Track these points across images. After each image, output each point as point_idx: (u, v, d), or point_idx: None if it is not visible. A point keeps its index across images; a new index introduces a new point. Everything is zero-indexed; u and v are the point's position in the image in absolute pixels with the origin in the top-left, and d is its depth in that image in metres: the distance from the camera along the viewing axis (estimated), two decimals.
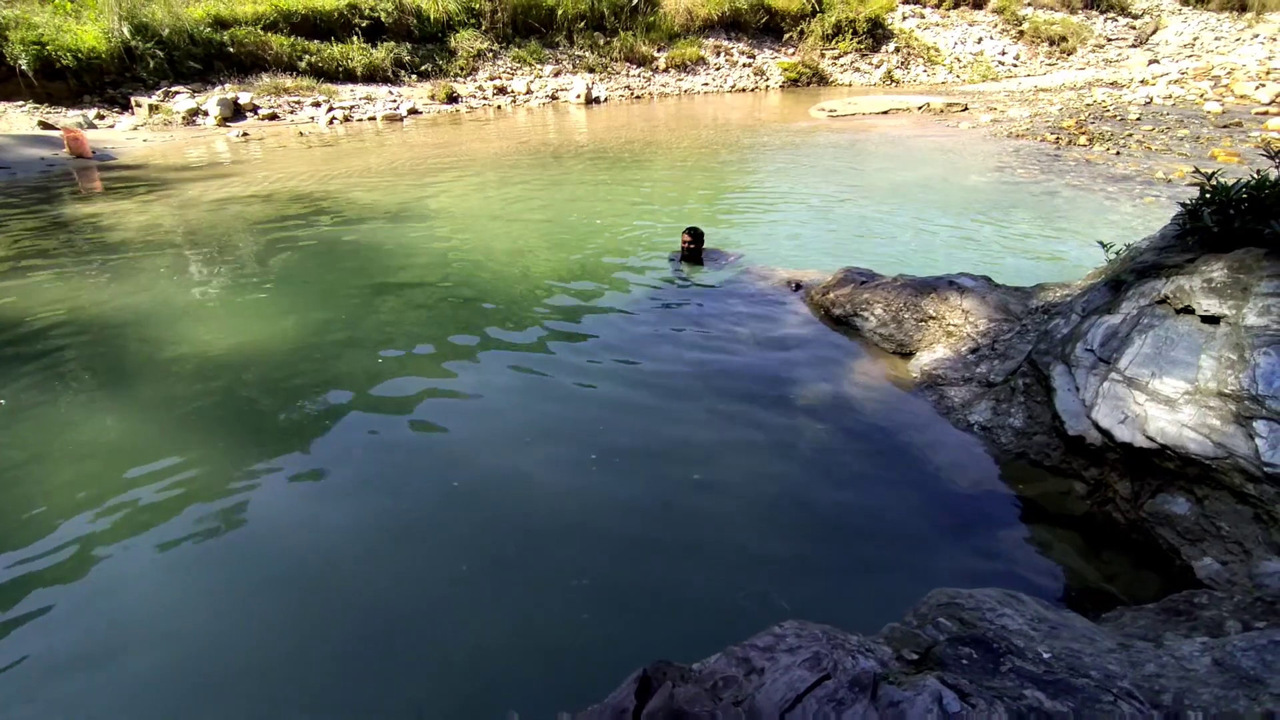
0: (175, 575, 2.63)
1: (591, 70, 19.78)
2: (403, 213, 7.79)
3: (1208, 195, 2.94)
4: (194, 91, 14.79)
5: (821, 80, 21.92)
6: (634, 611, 2.47)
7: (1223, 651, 1.53)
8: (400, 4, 17.68)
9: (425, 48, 18.19)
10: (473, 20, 18.95)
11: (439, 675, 2.23)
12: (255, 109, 14.73)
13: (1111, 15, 25.88)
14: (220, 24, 15.53)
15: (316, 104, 15.38)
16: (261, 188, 9.06)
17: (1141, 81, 17.29)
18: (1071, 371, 2.99)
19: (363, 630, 2.40)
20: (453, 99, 17.13)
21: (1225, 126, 11.66)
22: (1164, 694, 1.39)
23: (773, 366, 4.20)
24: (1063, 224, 7.10)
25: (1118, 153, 10.26)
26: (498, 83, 18.20)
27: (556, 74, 19.32)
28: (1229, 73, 16.49)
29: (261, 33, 15.83)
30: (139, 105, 13.98)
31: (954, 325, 4.03)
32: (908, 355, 4.18)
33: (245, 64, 15.73)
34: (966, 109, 15.50)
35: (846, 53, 22.75)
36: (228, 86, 15.21)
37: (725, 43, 22.19)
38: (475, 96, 17.57)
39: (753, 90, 20.88)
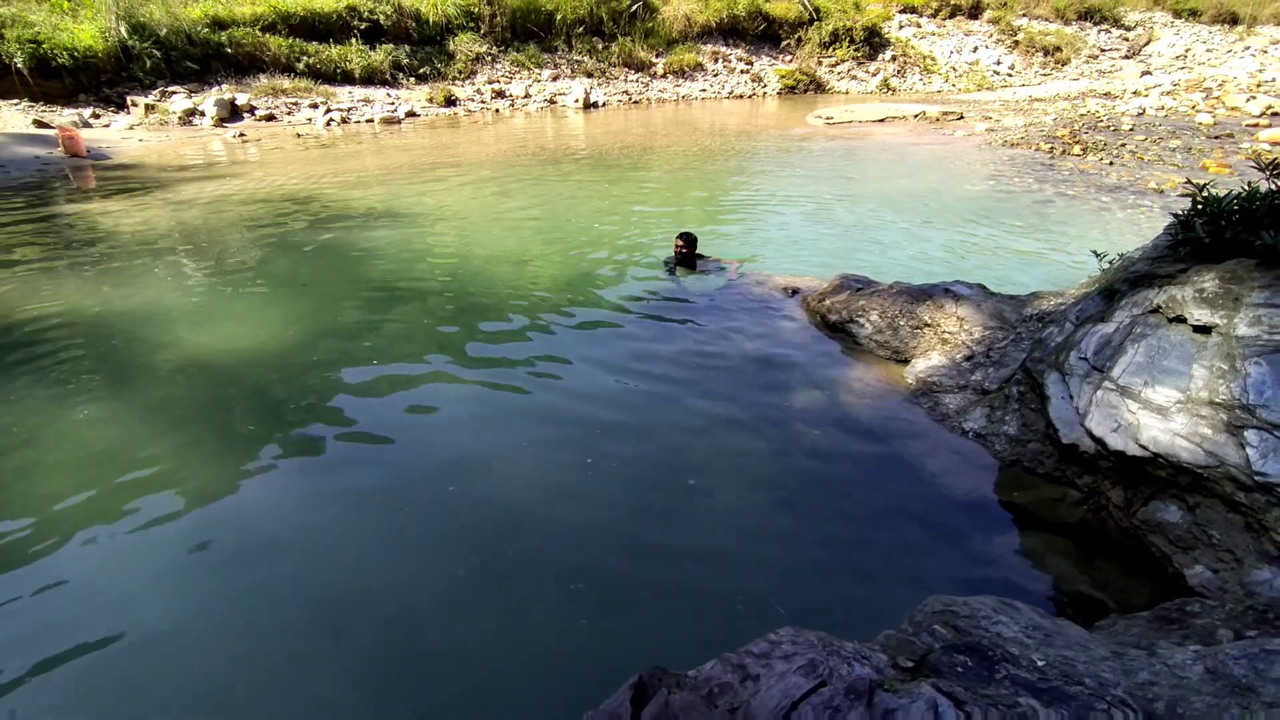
0: (168, 577, 2.61)
1: (590, 75, 19.84)
2: (399, 215, 7.78)
3: (1200, 206, 2.98)
4: (191, 92, 14.75)
5: (819, 88, 22.06)
6: (629, 617, 2.47)
7: (1215, 660, 1.54)
8: (399, 7, 17.70)
9: (424, 50, 18.20)
10: (471, 24, 18.99)
11: (435, 679, 2.22)
12: (252, 110, 14.69)
13: (1105, 27, 26.18)
14: (218, 24, 15.50)
15: (314, 105, 15.37)
16: (257, 189, 9.03)
17: (1134, 92, 17.47)
18: (1065, 379, 3.01)
19: (358, 633, 2.38)
20: (451, 102, 17.14)
21: (1216, 138, 11.79)
22: (1157, 702, 1.39)
23: (768, 372, 4.21)
24: (1056, 233, 7.16)
25: (1111, 163, 10.36)
26: (496, 86, 18.23)
27: (555, 78, 19.37)
28: (1220, 85, 16.68)
29: (259, 34, 15.80)
30: (135, 105, 13.92)
31: (949, 332, 4.05)
32: (903, 362, 4.20)
33: (243, 65, 15.70)
34: (962, 118, 15.62)
35: (843, 60, 22.91)
36: (225, 87, 15.18)
37: (723, 49, 22.31)
38: (473, 100, 17.59)
39: (750, 97, 20.99)
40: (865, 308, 4.54)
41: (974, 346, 3.88)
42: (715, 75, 21.53)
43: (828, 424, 3.62)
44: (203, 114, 14.06)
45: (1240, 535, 2.28)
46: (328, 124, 14.64)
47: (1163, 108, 14.70)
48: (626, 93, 19.66)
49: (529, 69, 19.32)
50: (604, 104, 18.66)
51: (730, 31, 22.60)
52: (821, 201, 8.57)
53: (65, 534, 2.80)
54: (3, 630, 2.37)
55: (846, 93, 21.90)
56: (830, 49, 22.92)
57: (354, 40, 16.91)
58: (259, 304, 5.25)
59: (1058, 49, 24.30)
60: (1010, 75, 23.39)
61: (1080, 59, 24.37)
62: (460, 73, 18.33)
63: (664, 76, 20.84)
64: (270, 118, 14.65)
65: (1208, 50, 24.31)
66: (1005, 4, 25.39)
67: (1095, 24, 26.17)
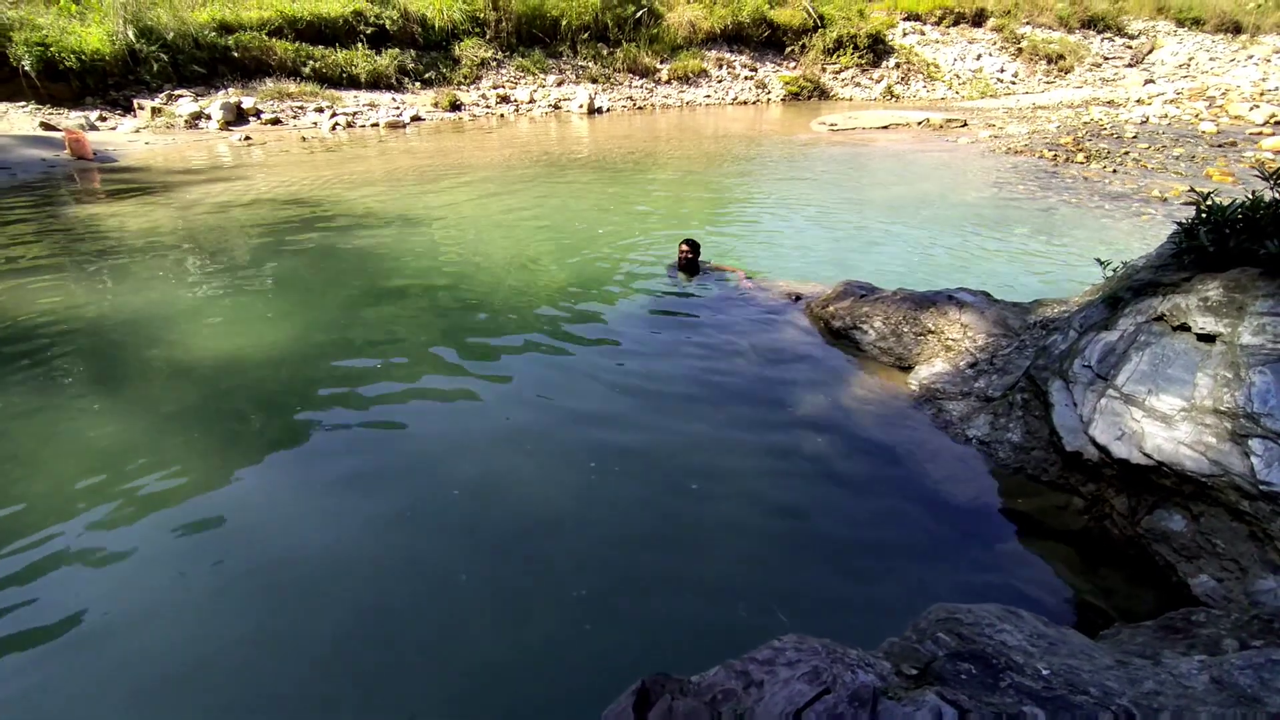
0: (169, 579, 2.61)
1: (594, 81, 19.93)
2: (404, 219, 7.81)
3: (1204, 215, 2.98)
4: (197, 95, 14.84)
5: (822, 94, 22.12)
6: (632, 623, 2.47)
7: (1221, 670, 1.53)
8: (405, 12, 17.81)
9: (429, 55, 18.30)
10: (477, 29, 19.09)
11: (437, 685, 2.22)
12: (258, 113, 14.78)
13: (1108, 35, 26.24)
14: (225, 28, 15.61)
15: (320, 109, 15.45)
16: (263, 192, 9.07)
17: (1138, 101, 17.49)
18: (1069, 387, 3.01)
19: (359, 637, 2.38)
20: (456, 107, 17.22)
21: (1220, 146, 11.79)
22: (1162, 712, 1.39)
23: (771, 378, 4.21)
24: (1060, 240, 7.16)
25: (1114, 170, 10.37)
26: (501, 91, 18.32)
27: (560, 84, 19.46)
28: (1224, 93, 16.70)
29: (266, 38, 15.91)
30: (141, 108, 14.01)
31: (953, 339, 4.05)
32: (906, 369, 4.20)
33: (249, 68, 15.79)
34: (966, 125, 15.66)
35: (847, 67, 22.98)
36: (231, 91, 15.27)
37: (727, 55, 22.40)
38: (478, 105, 17.67)
39: (754, 103, 21.06)
40: (869, 314, 4.54)
41: (977, 353, 3.88)
42: (719, 81, 21.61)
43: (830, 430, 3.62)
44: (209, 117, 14.14)
45: (1245, 544, 2.27)
46: (333, 128, 14.72)
47: (1166, 116, 14.72)
48: (631, 98, 19.74)
49: (534, 74, 19.41)
50: (608, 109, 18.73)
51: (735, 38, 22.69)
52: (825, 208, 8.59)
53: (61, 531, 2.81)
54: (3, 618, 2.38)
55: (850, 99, 21.95)
56: (834, 56, 23.00)
57: (360, 45, 17.01)
58: (263, 306, 5.26)
59: (1061, 57, 24.35)
60: (1014, 83, 23.44)
61: (1084, 67, 24.42)
62: (465, 78, 18.43)
63: (668, 82, 20.92)
64: (276, 121, 14.73)
65: (1211, 59, 24.34)
66: (1009, 12, 25.46)
67: (1099, 32, 26.24)
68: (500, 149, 12.91)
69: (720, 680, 1.48)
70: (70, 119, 13.13)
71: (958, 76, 23.48)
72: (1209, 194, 3.05)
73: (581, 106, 18.22)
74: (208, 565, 2.69)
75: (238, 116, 14.49)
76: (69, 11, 14.24)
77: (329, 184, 9.58)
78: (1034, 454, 3.14)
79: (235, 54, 15.53)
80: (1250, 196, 2.86)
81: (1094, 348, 3.02)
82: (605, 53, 20.60)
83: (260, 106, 14.91)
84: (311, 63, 16.30)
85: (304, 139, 13.56)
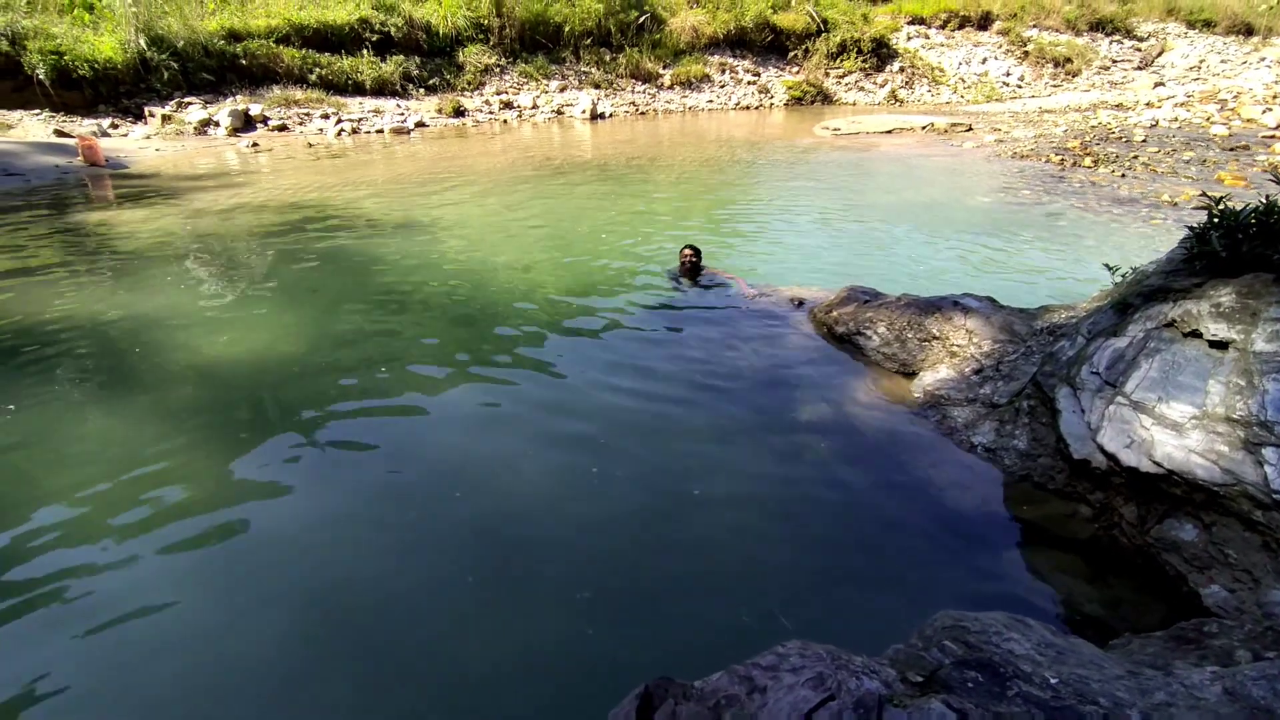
0: (175, 582, 2.62)
1: (597, 86, 20.01)
2: (408, 225, 7.85)
3: (1216, 219, 2.95)
4: (206, 102, 15.00)
5: (826, 99, 22.13)
6: (634, 627, 2.46)
7: (1234, 681, 1.51)
8: (410, 19, 17.95)
9: (434, 62, 18.43)
10: (481, 35, 19.22)
11: (440, 687, 2.21)
12: (265, 120, 14.92)
13: (1117, 38, 26.11)
14: (233, 36, 15.78)
15: (325, 116, 15.58)
16: (270, 198, 9.14)
17: (1147, 104, 17.40)
18: (1076, 394, 2.98)
19: (363, 640, 2.38)
20: (459, 113, 17.33)
21: (1232, 150, 11.70)
22: None
23: (774, 384, 4.19)
24: (1067, 246, 7.12)
25: (1123, 175, 10.31)
26: (504, 97, 18.42)
27: (562, 89, 19.55)
28: (1235, 96, 16.57)
29: (273, 45, 16.07)
30: (152, 115, 14.18)
31: (958, 345, 4.03)
32: (911, 375, 4.18)
33: (257, 76, 15.95)
34: (971, 129, 15.62)
35: (851, 72, 22.99)
36: (239, 98, 15.42)
37: (730, 60, 22.45)
38: (482, 111, 17.77)
39: (757, 108, 21.09)
40: (873, 320, 4.52)
41: (983, 360, 3.85)
42: (722, 86, 21.65)
43: (834, 436, 3.60)
44: (217, 124, 14.29)
45: (1258, 555, 2.24)
46: (339, 134, 14.84)
47: (1176, 119, 14.62)
48: (633, 104, 19.80)
49: (537, 80, 19.51)
50: (611, 115, 18.80)
51: (737, 43, 22.74)
52: (828, 213, 8.57)
53: (71, 535, 2.83)
54: (12, 620, 2.39)
55: (854, 104, 21.95)
56: (838, 60, 23.00)
57: (365, 52, 17.16)
58: (269, 310, 5.30)
59: (1068, 60, 24.25)
60: (1020, 86, 23.37)
61: (1091, 70, 24.33)
62: (469, 84, 18.54)
63: (671, 87, 20.98)
64: (283, 128, 14.86)
65: (1222, 61, 24.18)
66: (1015, 15, 25.39)
67: (1107, 35, 26.11)
68: (503, 154, 12.97)
69: (724, 685, 1.47)
70: (83, 126, 13.30)
71: (963, 80, 23.45)
72: (1221, 198, 3.02)
73: (584, 112, 18.30)
74: (212, 565, 2.70)
75: (245, 123, 14.63)
76: (82, 21, 14.44)
77: (334, 190, 9.64)
78: (1040, 461, 3.12)
79: (243, 62, 15.69)
80: (1264, 201, 2.83)
81: (1102, 354, 2.99)
82: (608, 58, 20.69)
83: (267, 113, 15.05)
84: (318, 70, 16.45)
85: (310, 145, 13.67)
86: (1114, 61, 25.01)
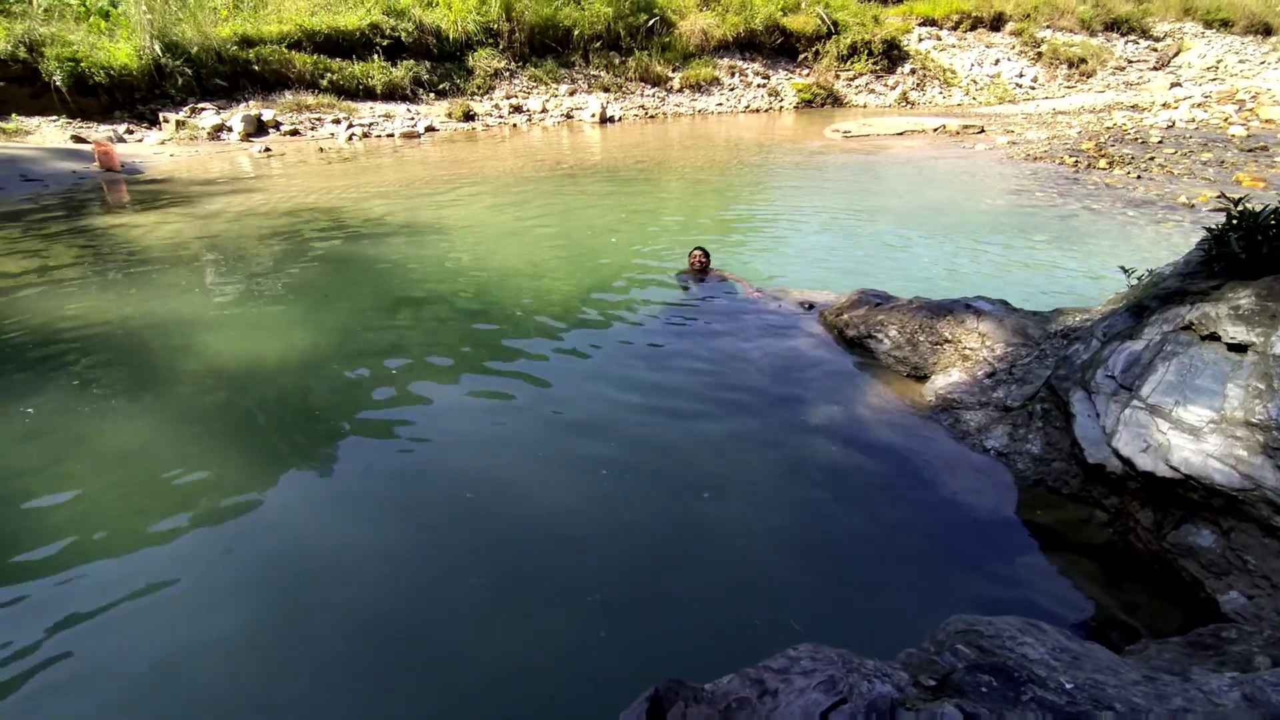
0: (187, 585, 2.65)
1: (606, 90, 20.07)
2: (418, 228, 7.90)
3: (1235, 221, 2.91)
4: (219, 108, 15.19)
5: (836, 101, 22.07)
6: (644, 630, 2.45)
7: (1253, 687, 1.48)
8: (420, 24, 18.10)
9: (444, 66, 18.57)
10: (491, 40, 19.34)
11: (450, 687, 2.22)
12: (278, 125, 15.08)
13: (1132, 38, 25.84)
14: (246, 42, 15.98)
15: (337, 121, 15.73)
16: (281, 202, 9.24)
17: (1163, 105, 17.19)
18: (1091, 398, 2.95)
19: (371, 638, 2.40)
20: (469, 117, 17.44)
21: (1250, 151, 11.54)
22: None
23: (785, 387, 4.18)
24: (1081, 248, 7.05)
25: (1138, 176, 10.20)
26: (514, 101, 18.52)
27: (572, 93, 19.63)
28: (1254, 96, 16.33)
29: (286, 51, 16.25)
30: (166, 121, 14.37)
31: (970, 349, 4.00)
32: (922, 378, 4.15)
33: (269, 81, 16.14)
34: (983, 131, 15.52)
35: (861, 74, 22.91)
36: (252, 103, 15.61)
37: (740, 63, 22.45)
38: (491, 115, 17.88)
39: (767, 111, 21.06)
40: (884, 323, 4.50)
41: (996, 363, 3.82)
42: (731, 89, 21.65)
43: (845, 440, 3.58)
44: (230, 129, 14.46)
45: (1277, 561, 2.21)
46: (349, 139, 14.97)
47: (1193, 120, 14.43)
48: (643, 107, 19.84)
49: (546, 84, 19.60)
50: (620, 118, 18.84)
51: (747, 45, 22.74)
52: (838, 215, 8.54)
53: (95, 533, 2.87)
54: (29, 625, 2.42)
55: (864, 106, 21.88)
56: (848, 62, 22.94)
57: (376, 57, 17.31)
58: (282, 314, 5.35)
59: (1083, 61, 24.03)
60: (1033, 88, 23.19)
61: (1106, 71, 24.09)
62: (479, 88, 18.66)
63: (680, 91, 21.00)
64: (295, 133, 15.02)
65: (1240, 61, 23.86)
66: (1028, 16, 25.21)
67: (1122, 35, 25.84)
68: (513, 158, 13.04)
69: (735, 688, 1.46)
70: (99, 132, 13.51)
71: (975, 82, 23.30)
72: (1240, 199, 2.98)
73: (593, 116, 18.35)
74: (222, 563, 2.73)
75: (258, 128, 14.80)
76: (99, 28, 14.68)
77: (345, 194, 9.73)
78: (1054, 466, 3.08)
79: (256, 67, 15.88)
80: None
81: (1118, 357, 2.96)
82: (617, 62, 20.74)
83: (280, 118, 15.22)
84: (329, 75, 16.61)
85: (321, 150, 13.80)
86: (1129, 62, 24.76)
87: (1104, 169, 10.81)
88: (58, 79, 13.50)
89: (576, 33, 20.16)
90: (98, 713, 2.15)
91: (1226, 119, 14.21)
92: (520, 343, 4.79)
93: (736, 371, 4.36)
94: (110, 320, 5.16)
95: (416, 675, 2.26)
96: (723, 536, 2.92)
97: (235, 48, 15.72)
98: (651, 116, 19.53)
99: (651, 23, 21.10)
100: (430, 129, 16.29)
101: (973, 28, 25.27)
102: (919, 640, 1.76)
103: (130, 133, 13.99)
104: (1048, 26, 25.29)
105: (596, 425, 3.75)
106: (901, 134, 15.51)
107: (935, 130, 15.72)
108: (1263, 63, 23.47)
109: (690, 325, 5.12)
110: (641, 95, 20.48)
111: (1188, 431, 2.49)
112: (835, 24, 23.00)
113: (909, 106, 21.77)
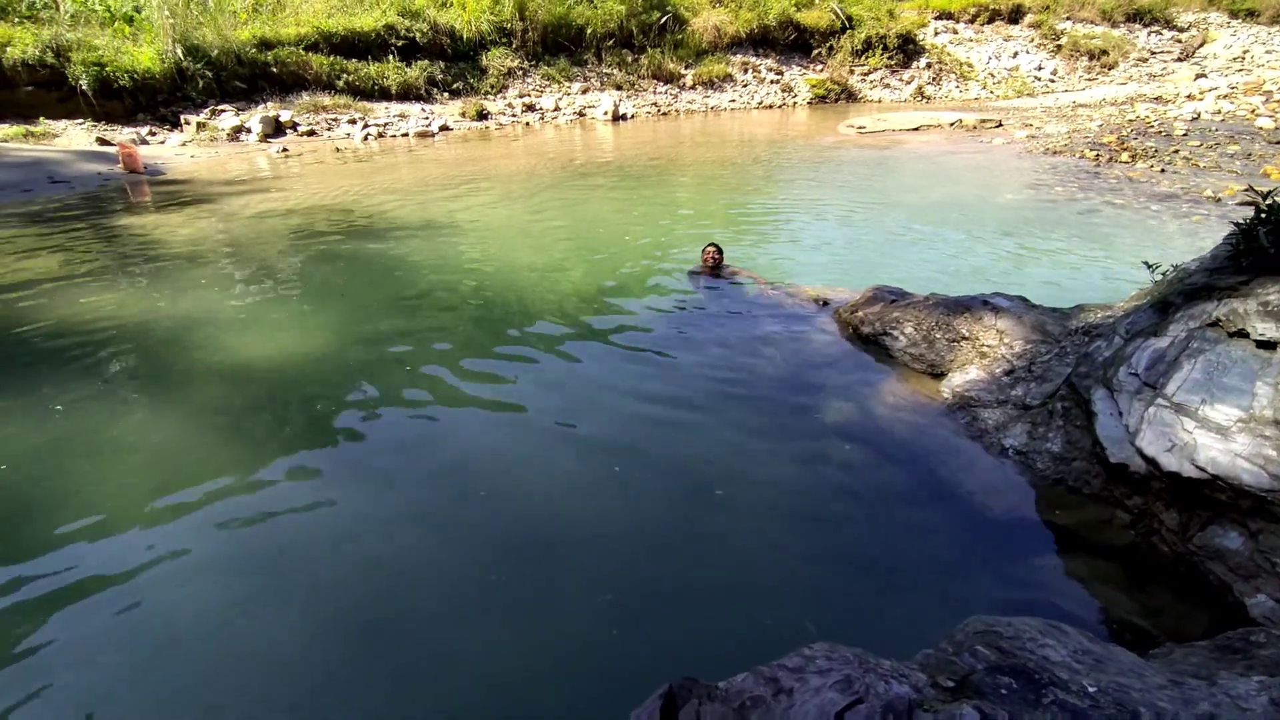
0: (205, 578, 2.69)
1: (619, 88, 20.05)
2: (433, 227, 7.96)
3: (1264, 214, 2.83)
4: (239, 109, 15.42)
5: (850, 97, 21.85)
6: (657, 628, 2.45)
7: None
8: (435, 24, 18.22)
9: (457, 66, 18.68)
10: (504, 39, 19.42)
11: (462, 686, 2.23)
12: (295, 126, 15.27)
13: (1155, 29, 25.26)
14: (265, 45, 16.20)
15: (353, 121, 15.89)
16: (299, 202, 9.36)
17: (1188, 96, 16.80)
18: (1114, 396, 2.89)
19: (384, 637, 2.42)
20: (483, 116, 17.53)
21: (1278, 143, 11.24)
22: None
23: (799, 384, 4.15)
24: (1103, 243, 6.92)
25: (1162, 170, 9.98)
26: (527, 100, 18.57)
27: (584, 91, 19.64)
28: None
29: (303, 53, 16.45)
30: (188, 123, 14.63)
31: (988, 346, 3.94)
32: (939, 376, 4.10)
33: (287, 83, 16.35)
34: (1001, 125, 15.27)
35: (876, 69, 22.66)
36: (270, 105, 15.82)
37: (753, 59, 22.30)
38: (505, 113, 17.95)
39: (780, 107, 20.92)
40: (900, 320, 4.45)
41: (1014, 360, 3.76)
42: (745, 86, 21.53)
43: (860, 438, 3.55)
44: (249, 130, 14.68)
45: None
46: (365, 139, 15.12)
47: (1219, 112, 14.08)
48: (655, 104, 19.80)
49: (559, 82, 19.63)
50: (633, 116, 18.82)
51: (760, 41, 22.58)
52: (854, 211, 8.46)
53: (112, 527, 2.93)
54: (40, 618, 2.48)
55: (879, 101, 21.64)
56: (863, 57, 22.69)
57: (391, 57, 17.46)
58: (299, 311, 5.42)
59: (1104, 52, 23.54)
60: (1053, 81, 22.78)
61: (1128, 62, 23.58)
62: (492, 87, 18.74)
63: (693, 88, 20.92)
64: (311, 133, 15.20)
65: (1267, 52, 23.22)
66: (1047, 7, 24.75)
67: (1145, 26, 25.27)
68: (526, 156, 13.08)
69: (749, 686, 1.46)
70: (123, 134, 13.78)
71: (992, 75, 22.94)
72: (1269, 193, 2.90)
73: (606, 113, 18.35)
74: (242, 559, 2.77)
75: (276, 129, 15.00)
76: (123, 33, 14.97)
77: (361, 193, 9.83)
78: (1075, 465, 3.03)
79: (274, 69, 16.09)
80: None
81: (1142, 355, 2.90)
82: (630, 59, 20.72)
83: (297, 119, 15.41)
84: (345, 76, 16.79)
85: (338, 150, 13.95)
86: (1152, 53, 24.21)
87: (1126, 162, 10.59)
88: (84, 83, 13.80)
89: (589, 31, 20.16)
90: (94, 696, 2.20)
91: (1254, 110, 13.84)
92: (533, 342, 4.81)
93: (749, 369, 4.33)
94: (134, 318, 5.26)
95: (429, 674, 2.28)
96: (735, 535, 2.91)
97: (254, 50, 15.95)
98: (664, 114, 19.48)
99: (664, 20, 21.03)
100: (444, 128, 16.39)
101: (990, 20, 24.88)
102: (937, 641, 1.74)
103: (153, 134, 14.25)
104: (1067, 18, 24.82)
105: (608, 423, 3.75)
106: (917, 129, 15.32)
107: (951, 125, 15.50)
108: None
109: (703, 323, 5.10)
110: (654, 92, 20.43)
111: (1215, 430, 2.43)
112: (849, 19, 22.76)
113: (925, 101, 21.50)
